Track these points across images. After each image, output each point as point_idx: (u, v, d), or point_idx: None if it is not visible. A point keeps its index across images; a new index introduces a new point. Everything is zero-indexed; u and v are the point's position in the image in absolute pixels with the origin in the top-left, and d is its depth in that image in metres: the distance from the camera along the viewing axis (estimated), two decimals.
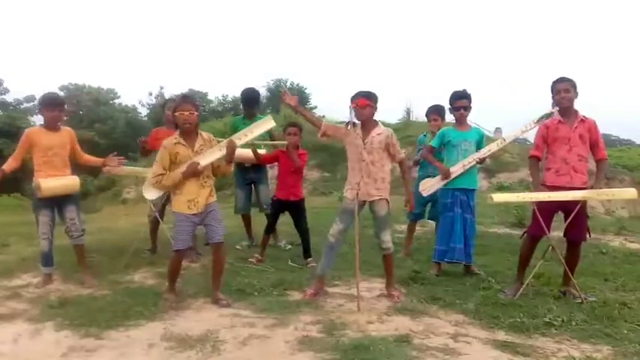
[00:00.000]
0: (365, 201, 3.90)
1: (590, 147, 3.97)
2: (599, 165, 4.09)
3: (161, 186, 3.84)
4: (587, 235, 4.00)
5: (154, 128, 5.71)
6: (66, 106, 4.59)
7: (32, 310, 3.70)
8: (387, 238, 3.93)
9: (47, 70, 72.21)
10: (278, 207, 5.20)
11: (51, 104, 4.37)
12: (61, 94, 32.08)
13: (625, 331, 3.19)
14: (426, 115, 5.47)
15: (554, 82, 3.99)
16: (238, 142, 3.93)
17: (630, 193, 4.08)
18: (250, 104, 5.80)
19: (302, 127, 5.17)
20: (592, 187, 3.95)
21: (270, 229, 5.24)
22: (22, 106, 28.61)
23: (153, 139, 5.33)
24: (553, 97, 4.02)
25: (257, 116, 5.79)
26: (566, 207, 3.90)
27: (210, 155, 3.79)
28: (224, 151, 3.79)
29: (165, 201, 5.44)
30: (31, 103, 28.77)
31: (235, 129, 5.71)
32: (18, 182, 21.60)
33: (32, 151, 4.34)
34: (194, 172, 3.70)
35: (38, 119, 29.16)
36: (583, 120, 3.95)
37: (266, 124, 4.20)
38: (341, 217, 3.95)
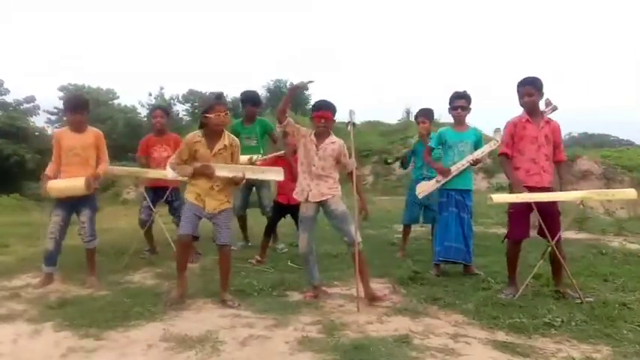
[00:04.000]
0: (318, 202, 3.87)
1: (552, 149, 4.01)
2: (560, 167, 4.11)
3: (176, 172, 3.94)
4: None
5: (143, 138, 5.73)
6: (89, 107, 4.57)
7: (31, 311, 3.70)
8: (353, 230, 3.78)
9: (47, 70, 72.26)
10: (279, 210, 5.21)
11: (72, 107, 4.40)
12: (61, 94, 32.19)
13: (625, 332, 3.19)
14: (415, 118, 5.57)
15: (518, 84, 4.00)
16: (248, 176, 3.95)
17: (630, 193, 4.08)
18: (254, 103, 5.84)
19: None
20: (562, 188, 3.99)
21: (270, 231, 5.25)
22: (22, 107, 28.56)
23: (143, 147, 5.57)
24: (519, 101, 4.01)
25: (257, 119, 5.81)
26: (541, 207, 3.89)
27: (225, 171, 3.80)
28: (234, 176, 3.81)
29: (155, 203, 5.42)
30: (31, 104, 28.78)
31: (236, 133, 5.74)
32: (17, 182, 21.66)
33: (60, 151, 4.38)
34: (205, 175, 3.75)
35: (38, 120, 29.28)
36: (548, 121, 4.00)
37: (276, 174, 4.25)
38: (302, 227, 3.94)
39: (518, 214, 3.96)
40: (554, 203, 3.94)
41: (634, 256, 5.41)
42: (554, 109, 4.27)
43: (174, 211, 5.44)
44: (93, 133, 4.49)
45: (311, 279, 4.01)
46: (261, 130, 5.74)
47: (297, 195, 3.94)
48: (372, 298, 3.81)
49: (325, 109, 3.88)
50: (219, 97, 3.95)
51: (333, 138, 3.92)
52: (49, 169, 4.42)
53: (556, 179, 4.09)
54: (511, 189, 4.10)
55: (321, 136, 3.88)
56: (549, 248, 3.96)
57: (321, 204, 3.88)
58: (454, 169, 4.60)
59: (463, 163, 4.59)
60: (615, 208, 9.69)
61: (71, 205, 4.39)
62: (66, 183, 4.31)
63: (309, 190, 3.86)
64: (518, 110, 4.14)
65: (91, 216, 4.44)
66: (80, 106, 4.44)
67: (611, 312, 3.52)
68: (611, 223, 8.01)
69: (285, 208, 5.18)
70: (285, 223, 5.76)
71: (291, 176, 5.01)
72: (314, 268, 4.01)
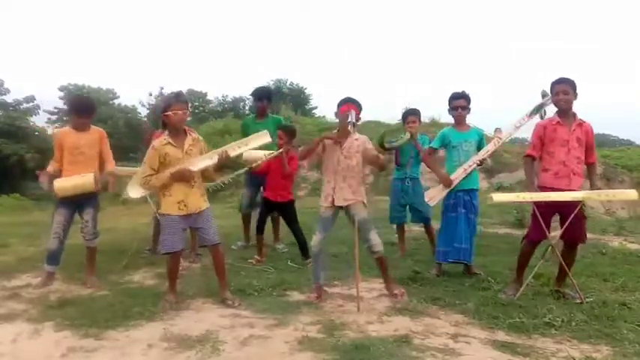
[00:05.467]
0: (341, 207, 3.88)
1: (584, 151, 3.97)
2: (591, 168, 4.07)
3: (149, 186, 3.81)
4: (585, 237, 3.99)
5: (152, 130, 5.77)
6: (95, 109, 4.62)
7: (32, 311, 3.70)
8: (374, 237, 3.89)
9: (47, 70, 72.23)
10: (266, 206, 5.23)
11: (80, 112, 4.39)
12: (61, 94, 32.17)
13: (625, 331, 3.19)
14: (403, 118, 5.44)
15: (554, 83, 3.96)
16: (232, 153, 3.90)
17: (631, 194, 4.07)
18: (259, 97, 5.83)
19: (294, 130, 5.26)
20: (592, 189, 3.95)
21: (261, 228, 5.24)
22: (21, 107, 28.55)
23: (147, 140, 5.51)
24: (552, 99, 4.01)
25: (268, 115, 5.83)
26: (564, 209, 3.86)
27: (201, 162, 3.77)
28: (215, 160, 3.77)
29: None
30: (31, 104, 28.74)
31: (247, 129, 5.76)
32: (17, 182, 21.65)
33: (62, 150, 4.36)
34: (184, 178, 3.68)
35: (38, 120, 29.25)
36: (580, 123, 3.94)
37: (261, 138, 4.17)
38: (319, 227, 3.95)
39: (541, 214, 3.88)
40: (579, 207, 3.87)
41: (634, 256, 5.41)
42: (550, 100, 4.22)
43: None
44: (97, 131, 4.50)
45: (315, 277, 3.99)
46: (273, 127, 5.74)
47: (322, 200, 3.93)
48: (393, 295, 3.89)
49: (351, 102, 3.88)
50: (178, 95, 3.86)
51: (356, 135, 3.92)
52: (50, 167, 4.41)
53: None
54: (529, 190, 4.08)
55: (345, 134, 3.87)
56: (549, 248, 3.96)
57: (343, 208, 3.89)
58: (460, 173, 4.57)
59: (470, 165, 4.56)
60: (615, 208, 9.69)
61: (75, 203, 4.38)
62: (74, 181, 4.29)
63: (332, 194, 3.87)
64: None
65: (94, 214, 4.44)
66: (88, 110, 4.46)
67: (611, 312, 3.52)
68: (611, 223, 8.01)
69: (272, 205, 5.20)
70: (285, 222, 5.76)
71: (282, 174, 5.04)
72: (320, 268, 4.00)
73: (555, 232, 4.08)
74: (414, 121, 5.25)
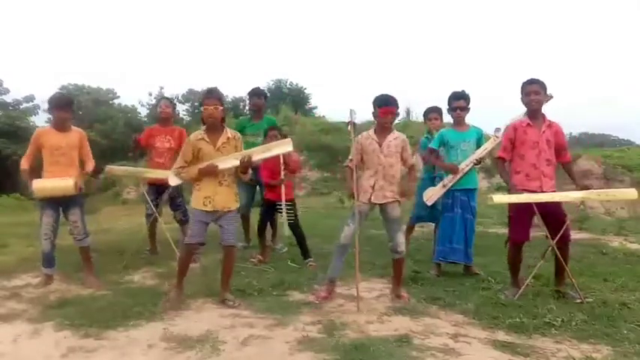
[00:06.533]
0: (376, 203, 3.87)
1: (556, 151, 3.96)
2: (567, 167, 4.07)
3: (180, 177, 3.91)
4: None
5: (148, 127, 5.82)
6: (74, 105, 4.60)
7: (32, 311, 3.70)
8: (401, 240, 3.89)
9: (47, 70, 72.13)
10: (268, 207, 5.24)
11: (58, 104, 4.38)
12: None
13: (625, 331, 3.19)
14: (425, 115, 5.46)
15: (524, 84, 3.95)
16: (255, 158, 3.91)
17: (630, 193, 4.07)
18: (257, 94, 5.88)
19: (281, 130, 5.32)
20: (580, 188, 3.95)
21: (262, 229, 5.23)
22: (21, 106, 28.51)
23: (146, 136, 5.55)
24: (522, 99, 3.98)
25: (263, 117, 5.84)
26: (543, 209, 3.86)
27: (227, 162, 3.79)
28: (238, 163, 3.78)
29: (158, 201, 5.41)
30: (30, 103, 28.70)
31: (242, 129, 5.77)
32: (17, 182, 21.64)
33: (41, 151, 4.34)
34: (210, 173, 3.72)
35: (38, 119, 29.20)
36: (550, 124, 3.94)
37: (284, 146, 4.21)
38: (353, 219, 3.89)
39: (518, 217, 3.93)
40: (558, 206, 3.90)
41: (634, 255, 5.42)
42: (550, 97, 4.22)
43: (177, 207, 5.45)
44: (77, 132, 4.49)
45: (333, 271, 3.94)
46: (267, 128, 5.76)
47: (361, 197, 3.88)
48: (398, 296, 3.89)
49: (392, 104, 3.85)
50: (210, 91, 3.95)
51: (395, 133, 3.90)
52: (25, 164, 4.36)
53: (559, 182, 4.04)
54: (509, 191, 4.09)
55: (382, 132, 3.86)
56: (549, 248, 3.96)
57: (379, 205, 3.88)
58: (460, 170, 4.57)
59: (467, 164, 4.57)
60: (615, 208, 9.71)
61: (59, 204, 4.36)
62: (54, 183, 4.27)
63: (371, 191, 3.84)
64: (513, 109, 4.13)
65: (81, 214, 4.44)
66: (66, 103, 4.45)
67: (611, 312, 3.53)
68: (611, 223, 8.02)
69: (274, 205, 5.16)
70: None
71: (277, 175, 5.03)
72: (340, 263, 3.95)
73: (535, 233, 4.08)
74: (436, 118, 5.25)
